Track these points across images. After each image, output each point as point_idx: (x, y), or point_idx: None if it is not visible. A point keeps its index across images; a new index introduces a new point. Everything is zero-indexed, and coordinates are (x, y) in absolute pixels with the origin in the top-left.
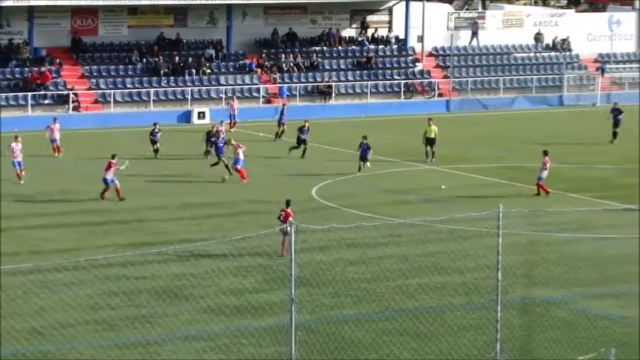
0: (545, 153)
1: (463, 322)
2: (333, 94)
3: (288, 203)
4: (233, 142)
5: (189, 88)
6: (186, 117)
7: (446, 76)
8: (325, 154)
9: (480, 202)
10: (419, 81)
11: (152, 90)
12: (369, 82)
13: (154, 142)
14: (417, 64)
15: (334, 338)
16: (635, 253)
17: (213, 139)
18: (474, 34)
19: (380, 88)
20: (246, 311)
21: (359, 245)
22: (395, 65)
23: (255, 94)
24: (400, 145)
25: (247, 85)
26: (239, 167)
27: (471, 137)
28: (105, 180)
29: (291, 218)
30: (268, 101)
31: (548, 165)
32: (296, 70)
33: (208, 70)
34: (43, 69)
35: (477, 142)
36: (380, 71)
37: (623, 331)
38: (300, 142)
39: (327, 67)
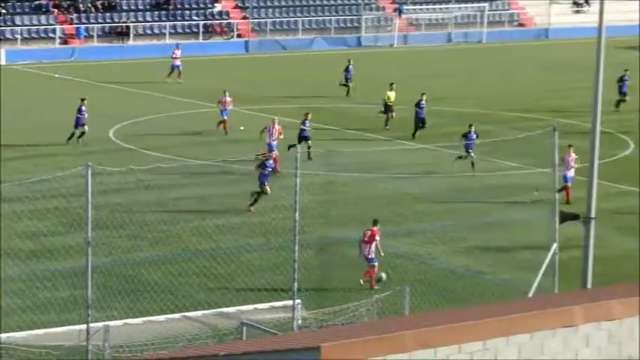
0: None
1: (261, 263)
2: (132, 35)
3: (375, 222)
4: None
5: None
6: None
7: (245, 17)
8: (123, 95)
9: (281, 142)
10: (218, 22)
11: None
12: (167, 23)
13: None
14: (215, 4)
15: (131, 280)
16: (429, 192)
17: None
18: None
19: (179, 29)
20: (42, 255)
21: (156, 187)
22: (194, 6)
23: (51, 34)
24: (200, 87)
25: (43, 25)
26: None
27: (270, 78)
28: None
29: (378, 237)
30: (65, 42)
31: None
32: (93, 10)
33: (3, 10)
34: None
35: (275, 83)
36: (179, 12)
37: (417, 269)
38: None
39: (124, 7)
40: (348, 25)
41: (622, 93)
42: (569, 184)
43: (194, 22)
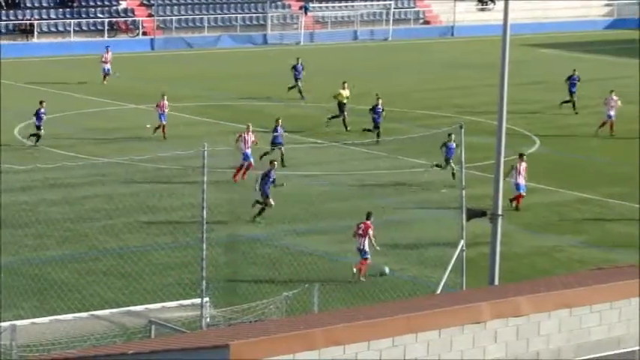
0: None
1: (169, 261)
2: (36, 33)
3: (368, 215)
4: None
5: None
6: None
7: (150, 15)
8: (28, 93)
9: (186, 140)
10: (123, 19)
11: None
12: (72, 21)
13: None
14: (120, 2)
15: (38, 279)
16: (338, 190)
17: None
18: None
19: (83, 27)
20: None
21: (63, 185)
22: (99, 3)
23: None
24: (106, 85)
25: None
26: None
27: (176, 76)
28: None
29: (371, 231)
30: None
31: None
32: None
33: None
34: None
35: (181, 80)
36: (83, 9)
37: (326, 267)
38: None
39: (29, 4)
40: (254, 22)
41: (571, 93)
42: (523, 192)
43: (99, 20)
